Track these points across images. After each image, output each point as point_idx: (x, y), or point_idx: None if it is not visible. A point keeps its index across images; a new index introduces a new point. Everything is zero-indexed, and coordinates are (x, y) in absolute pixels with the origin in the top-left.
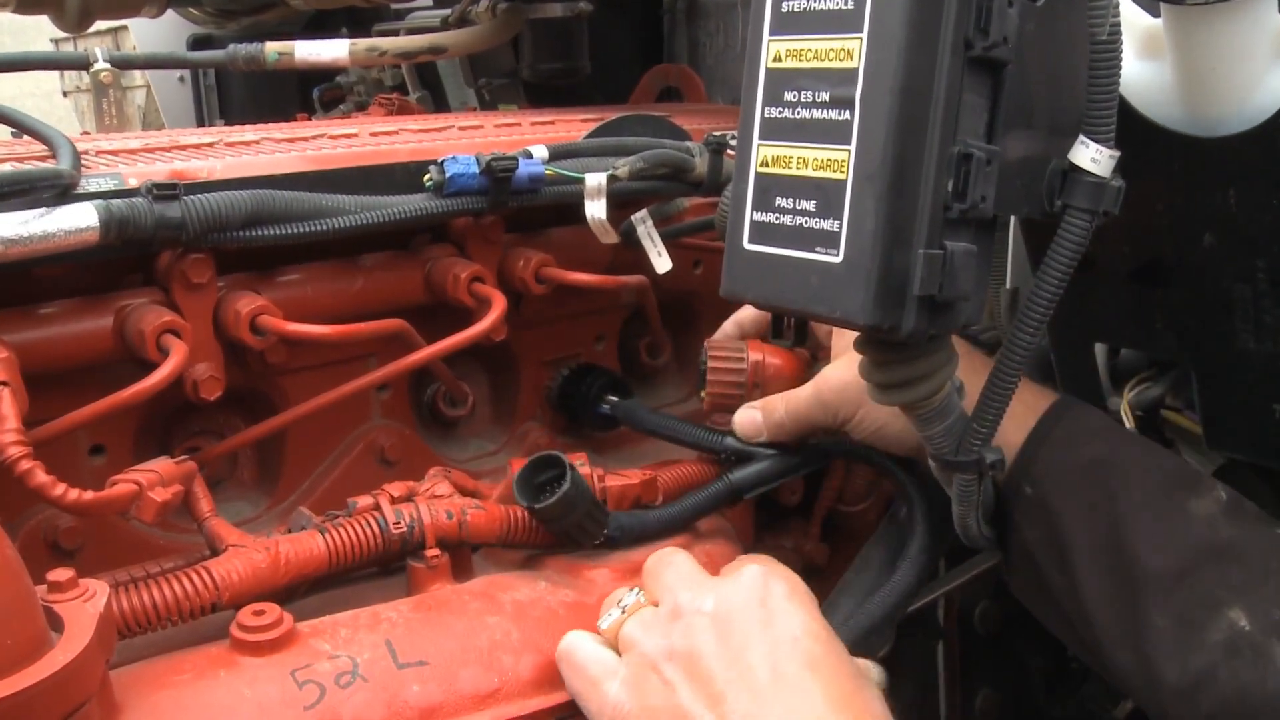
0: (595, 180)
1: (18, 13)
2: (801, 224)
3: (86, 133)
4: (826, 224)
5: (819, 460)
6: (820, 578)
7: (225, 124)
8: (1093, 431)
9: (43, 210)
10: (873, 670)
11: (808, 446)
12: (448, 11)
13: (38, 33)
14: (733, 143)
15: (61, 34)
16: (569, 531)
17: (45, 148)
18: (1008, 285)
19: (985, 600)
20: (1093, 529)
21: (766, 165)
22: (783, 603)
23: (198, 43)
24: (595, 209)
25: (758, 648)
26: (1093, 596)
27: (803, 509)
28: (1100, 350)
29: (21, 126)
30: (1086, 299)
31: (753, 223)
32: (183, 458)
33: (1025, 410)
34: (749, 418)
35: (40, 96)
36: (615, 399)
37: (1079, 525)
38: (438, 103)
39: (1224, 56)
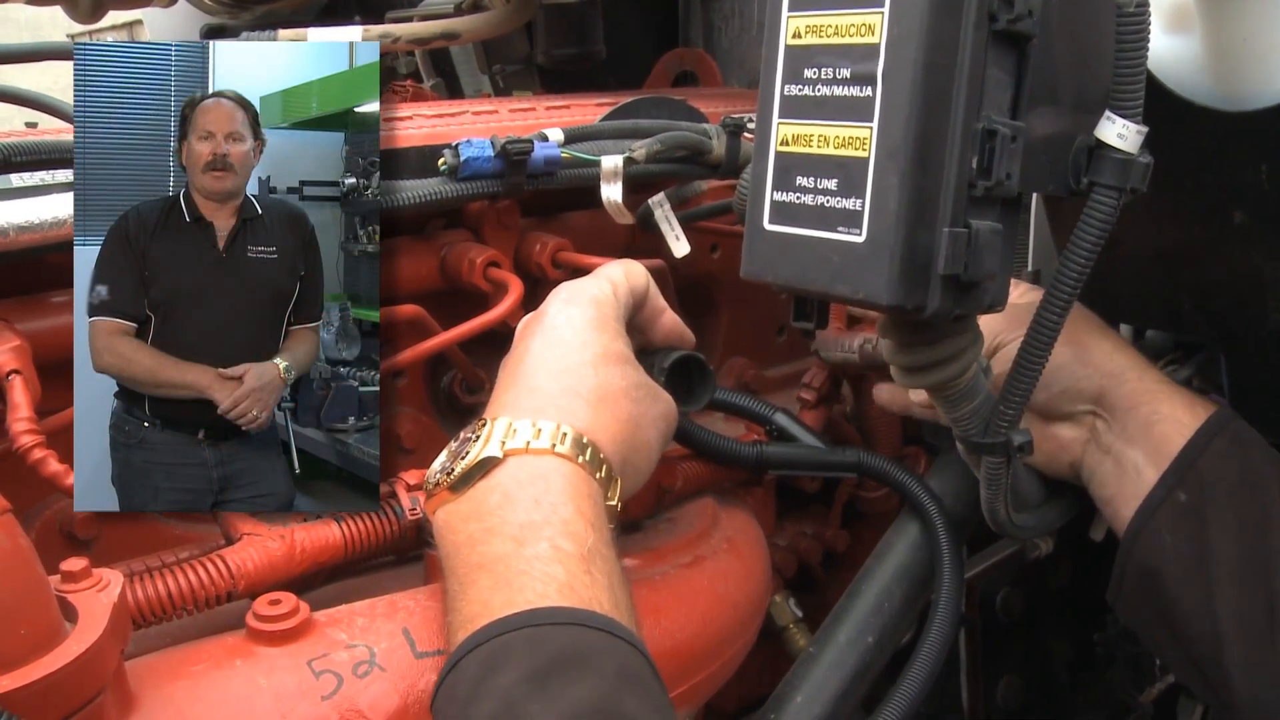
0: (611, 163)
1: (30, 3)
2: (823, 203)
3: None
4: (849, 203)
5: (850, 470)
6: (841, 564)
7: None
8: (1253, 447)
9: (52, 197)
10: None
11: (847, 454)
12: None
13: (54, 28)
14: (750, 125)
15: (77, 28)
16: None
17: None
18: (1029, 267)
19: (1007, 586)
20: (1241, 546)
21: (787, 144)
22: (565, 306)
23: (211, 32)
24: (611, 191)
25: (531, 340)
26: (1228, 614)
27: (823, 495)
28: (1126, 332)
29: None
30: (1112, 279)
31: (773, 203)
32: None
33: (1188, 415)
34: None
35: (57, 92)
36: None
37: (1229, 540)
38: (452, 89)
39: (1256, 29)
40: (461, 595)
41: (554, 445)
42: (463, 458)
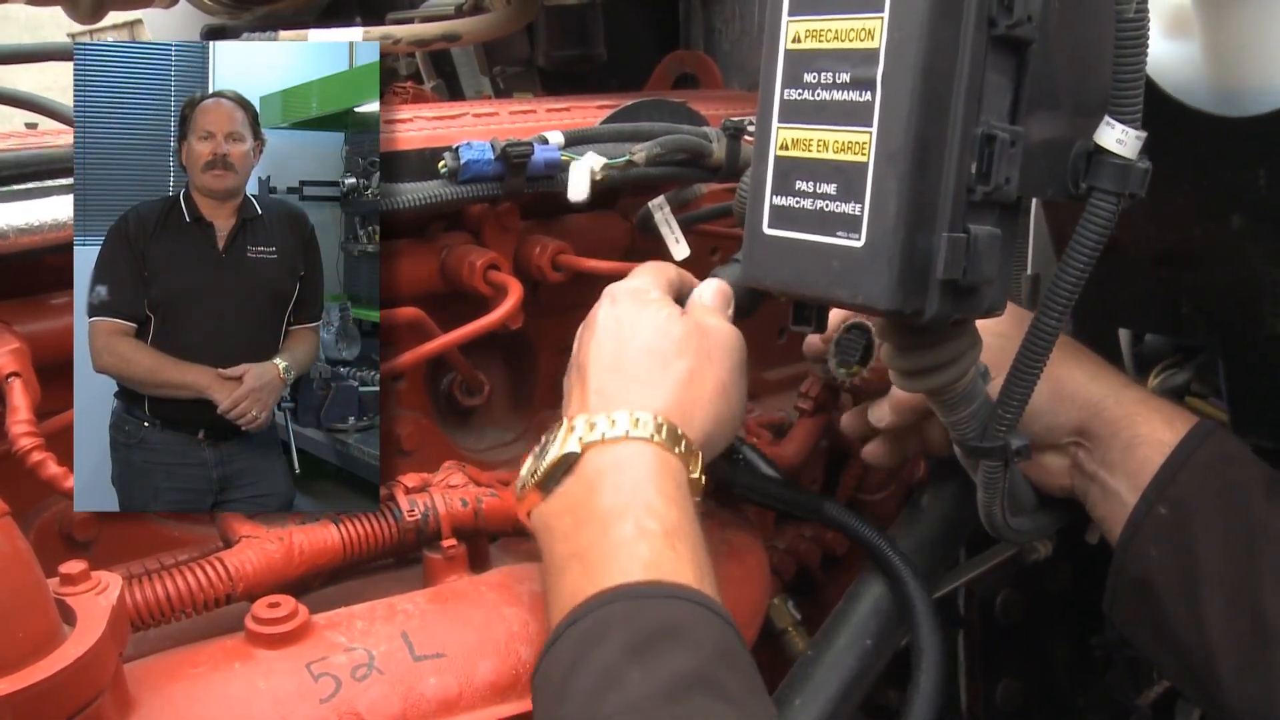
0: (583, 165)
1: (31, 4)
2: (822, 208)
3: None
4: (848, 207)
5: (809, 514)
6: (839, 566)
7: None
8: (1235, 460)
9: (52, 200)
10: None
11: (807, 496)
12: None
13: (55, 27)
14: (750, 128)
15: (77, 27)
16: None
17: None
18: (1028, 271)
19: (1006, 589)
20: (1227, 558)
21: (786, 148)
22: (609, 305)
23: (212, 33)
24: (577, 190)
25: (586, 345)
26: (1218, 625)
27: None
28: (1124, 336)
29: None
30: (1111, 284)
31: (772, 207)
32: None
33: (1168, 432)
34: (881, 409)
35: (56, 91)
36: None
37: (1214, 553)
38: (452, 91)
39: (1254, 34)
40: (557, 585)
41: (628, 432)
42: (544, 459)
